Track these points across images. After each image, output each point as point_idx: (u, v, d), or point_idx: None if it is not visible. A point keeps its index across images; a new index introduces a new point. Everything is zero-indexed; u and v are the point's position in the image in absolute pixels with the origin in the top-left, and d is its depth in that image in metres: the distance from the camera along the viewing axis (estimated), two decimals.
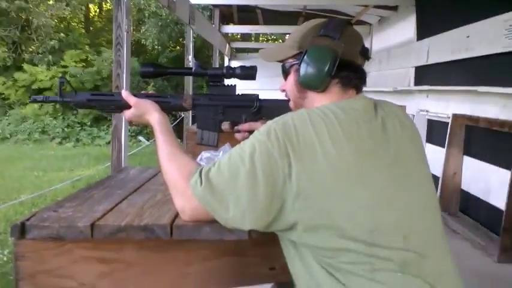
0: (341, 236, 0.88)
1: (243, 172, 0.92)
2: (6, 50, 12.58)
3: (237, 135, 1.37)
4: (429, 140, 4.22)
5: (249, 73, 1.36)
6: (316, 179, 0.88)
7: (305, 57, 1.03)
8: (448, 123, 3.66)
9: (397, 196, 0.92)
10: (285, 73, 1.13)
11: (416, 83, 4.68)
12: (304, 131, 0.91)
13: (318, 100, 1.04)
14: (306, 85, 1.04)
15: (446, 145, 3.62)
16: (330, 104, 1.00)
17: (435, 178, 3.58)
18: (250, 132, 1.32)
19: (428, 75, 4.37)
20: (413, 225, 0.92)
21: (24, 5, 12.87)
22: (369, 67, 6.42)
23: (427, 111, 4.27)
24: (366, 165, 0.91)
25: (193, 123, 4.44)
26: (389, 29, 6.14)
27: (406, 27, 5.27)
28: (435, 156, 3.77)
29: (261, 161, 0.91)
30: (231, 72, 1.35)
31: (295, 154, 0.89)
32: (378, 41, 6.65)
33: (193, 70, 1.38)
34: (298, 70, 1.05)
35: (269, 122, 0.96)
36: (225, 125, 1.39)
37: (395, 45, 5.69)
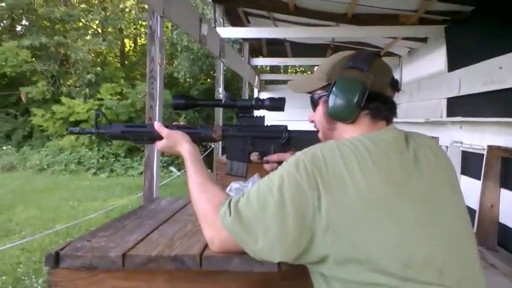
0: (373, 270, 0.86)
1: (271, 203, 0.92)
2: (46, 84, 13.15)
3: (266, 166, 1.38)
4: (464, 171, 4.11)
5: (277, 104, 1.38)
6: (346, 212, 0.87)
7: (334, 88, 1.04)
8: (483, 154, 3.57)
9: (431, 230, 0.90)
10: (314, 104, 1.14)
11: (449, 114, 4.61)
12: (333, 163, 0.91)
13: (347, 131, 1.04)
14: (335, 116, 1.05)
15: (482, 177, 3.51)
16: (359, 135, 1.00)
17: (471, 211, 3.47)
18: (279, 163, 1.33)
19: (461, 107, 4.30)
20: (448, 260, 0.89)
21: (63, 41, 13.55)
22: (399, 98, 6.34)
23: (461, 142, 4.18)
24: (397, 197, 0.90)
25: (223, 153, 4.48)
26: (419, 61, 6.10)
27: (436, 59, 5.24)
28: (470, 188, 3.66)
29: (290, 193, 0.91)
30: (260, 104, 1.37)
31: (324, 186, 0.89)
32: (408, 72, 6.61)
33: (223, 102, 1.41)
34: (326, 101, 1.06)
35: (298, 153, 0.96)
36: (254, 156, 1.41)
37: (425, 77, 5.64)
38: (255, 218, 0.93)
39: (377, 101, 1.03)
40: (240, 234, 0.95)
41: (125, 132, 1.38)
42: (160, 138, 1.33)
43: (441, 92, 4.79)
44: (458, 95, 4.26)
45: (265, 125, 1.39)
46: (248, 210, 0.95)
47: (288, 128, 1.39)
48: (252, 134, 1.38)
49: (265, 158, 1.39)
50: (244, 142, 1.39)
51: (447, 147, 4.33)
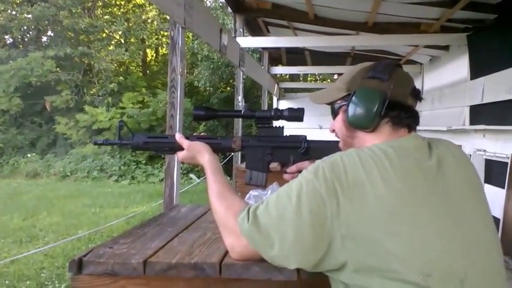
0: (394, 278, 0.85)
1: (289, 210, 0.93)
2: (69, 93, 13.45)
3: (286, 176, 1.39)
4: (487, 180, 4.03)
5: (296, 115, 1.39)
6: (365, 219, 0.87)
7: (353, 98, 1.05)
8: (507, 163, 3.50)
9: (453, 239, 0.89)
10: (334, 114, 1.16)
11: (472, 122, 4.54)
12: (353, 171, 0.91)
13: (368, 139, 1.05)
14: (355, 125, 1.06)
15: (506, 186, 3.44)
16: (380, 143, 1.00)
17: (495, 220, 3.41)
18: (299, 172, 1.34)
19: (484, 115, 4.23)
20: (470, 270, 0.88)
21: (87, 51, 13.85)
22: (421, 106, 6.28)
23: (484, 150, 4.10)
24: (418, 206, 0.89)
25: (242, 161, 4.50)
26: (441, 69, 6.03)
27: (458, 67, 5.18)
28: (495, 197, 3.59)
29: (307, 199, 0.91)
30: (279, 114, 1.39)
31: (344, 194, 0.89)
32: (430, 80, 6.54)
33: (242, 113, 1.42)
34: (346, 110, 1.07)
35: (317, 161, 0.97)
36: (274, 165, 1.42)
37: (447, 85, 5.57)
38: (272, 223, 0.94)
39: (397, 110, 1.03)
40: (256, 240, 0.96)
41: (147, 143, 1.41)
42: (182, 148, 1.36)
43: (464, 99, 4.73)
44: (482, 102, 4.20)
45: (285, 135, 1.40)
46: (266, 216, 0.96)
47: (307, 138, 1.40)
48: (271, 144, 1.39)
49: (284, 169, 1.39)
50: (264, 152, 1.40)
51: (470, 155, 4.27)
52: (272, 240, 0.94)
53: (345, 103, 1.09)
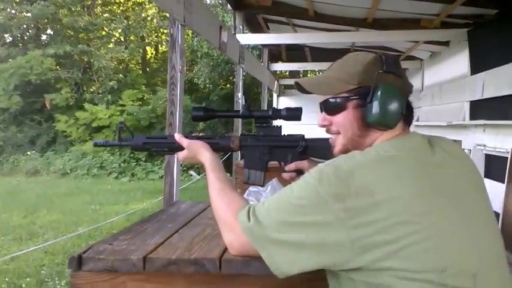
0: (407, 278, 0.83)
1: (291, 215, 0.90)
2: (69, 91, 13.47)
3: (285, 175, 1.38)
4: (487, 175, 4.03)
5: (294, 114, 1.38)
6: (377, 224, 0.84)
7: (378, 94, 0.97)
8: (507, 158, 3.50)
9: (462, 235, 0.88)
10: (337, 108, 1.04)
11: (472, 118, 4.54)
12: (359, 175, 0.87)
13: (380, 138, 1.01)
14: (378, 123, 0.98)
15: (506, 180, 3.44)
16: (382, 143, 0.98)
17: (495, 214, 3.41)
18: (297, 171, 1.34)
19: (484, 110, 4.23)
20: (480, 263, 0.87)
21: (86, 49, 13.88)
22: (420, 102, 6.32)
23: (484, 145, 4.10)
24: (428, 204, 0.87)
25: (242, 158, 4.49)
26: (441, 64, 6.02)
27: (459, 62, 5.17)
28: (494, 192, 3.59)
29: (310, 206, 0.88)
30: (277, 114, 1.38)
31: (351, 199, 0.85)
32: (430, 76, 6.53)
33: (240, 113, 1.42)
34: (360, 106, 1.00)
35: (321, 166, 0.93)
36: (272, 162, 1.42)
37: (447, 80, 5.56)
38: (273, 227, 0.92)
39: (409, 107, 1.02)
40: (258, 241, 0.94)
41: (146, 143, 1.41)
42: (181, 148, 1.35)
43: (464, 95, 4.73)
44: (482, 98, 4.20)
45: (283, 134, 1.40)
46: (267, 218, 0.94)
47: (305, 137, 1.39)
48: (269, 144, 1.39)
49: (282, 166, 1.39)
50: (262, 151, 1.40)
51: (470, 150, 4.27)
52: (274, 244, 0.91)
53: (355, 97, 1.01)
